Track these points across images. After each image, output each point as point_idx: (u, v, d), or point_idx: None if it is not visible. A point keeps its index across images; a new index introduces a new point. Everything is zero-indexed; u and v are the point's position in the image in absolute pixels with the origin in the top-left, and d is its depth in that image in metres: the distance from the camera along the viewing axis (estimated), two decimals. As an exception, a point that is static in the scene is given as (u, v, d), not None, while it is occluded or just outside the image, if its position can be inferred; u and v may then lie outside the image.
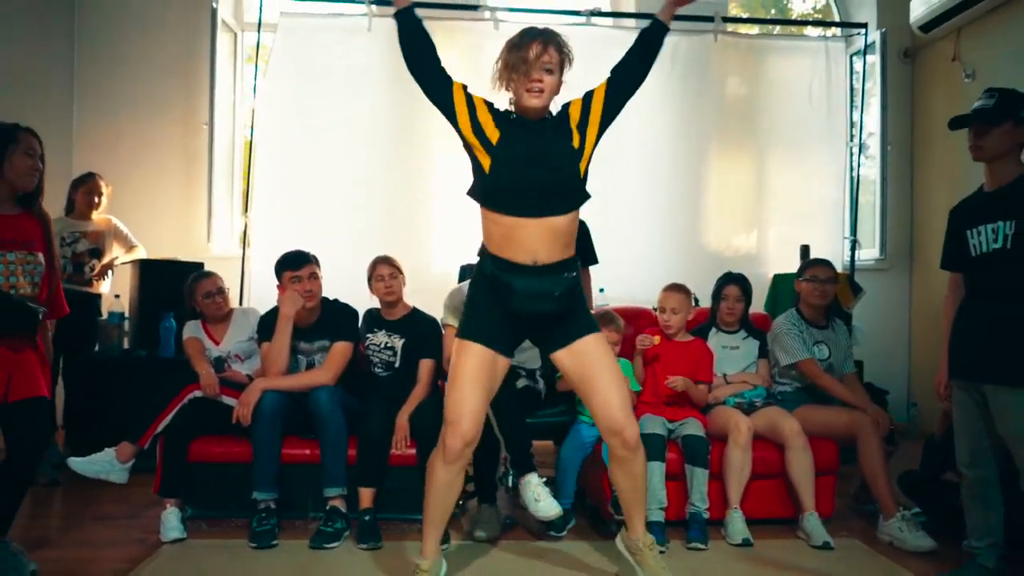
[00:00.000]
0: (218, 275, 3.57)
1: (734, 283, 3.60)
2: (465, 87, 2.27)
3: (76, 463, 2.99)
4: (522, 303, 2.24)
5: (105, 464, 2.99)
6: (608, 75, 2.33)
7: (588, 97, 2.31)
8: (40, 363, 2.59)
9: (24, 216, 2.61)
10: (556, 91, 2.23)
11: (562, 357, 2.33)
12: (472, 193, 2.31)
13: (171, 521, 2.98)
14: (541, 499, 2.94)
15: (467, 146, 2.28)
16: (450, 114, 2.25)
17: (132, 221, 4.83)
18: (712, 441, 3.21)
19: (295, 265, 3.28)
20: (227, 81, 5.51)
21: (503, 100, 2.31)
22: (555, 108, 2.31)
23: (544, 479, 3.07)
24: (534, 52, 2.16)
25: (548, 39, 2.19)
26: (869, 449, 3.15)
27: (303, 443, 3.19)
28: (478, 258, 2.42)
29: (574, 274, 2.30)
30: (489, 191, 2.24)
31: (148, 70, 5.36)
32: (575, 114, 2.28)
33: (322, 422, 3.08)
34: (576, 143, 2.26)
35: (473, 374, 2.25)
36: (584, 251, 4.17)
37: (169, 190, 5.37)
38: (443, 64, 2.29)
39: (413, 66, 2.25)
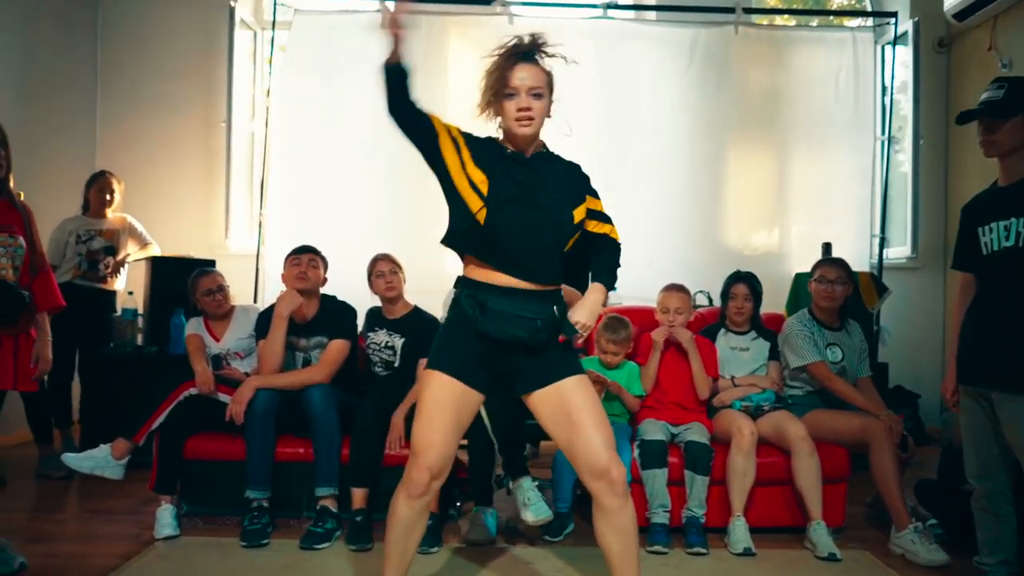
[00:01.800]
0: (219, 273, 3.58)
1: (742, 281, 3.48)
2: (449, 129, 2.04)
3: (70, 459, 3.01)
4: (493, 326, 1.96)
5: (100, 460, 3.01)
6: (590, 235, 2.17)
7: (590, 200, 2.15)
8: (13, 353, 2.56)
9: (1, 202, 2.58)
10: (547, 113, 2.02)
11: (540, 398, 2.02)
12: (454, 243, 2.06)
13: (165, 518, 2.99)
14: (531, 503, 2.88)
15: (452, 189, 2.02)
16: (437, 162, 2.03)
17: (152, 218, 4.90)
18: (717, 446, 3.11)
19: (297, 252, 3.34)
20: (246, 79, 5.54)
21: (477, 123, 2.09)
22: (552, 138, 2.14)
23: (538, 482, 3.00)
24: (519, 78, 1.95)
25: (532, 60, 1.98)
26: (881, 456, 3.01)
27: (297, 442, 3.18)
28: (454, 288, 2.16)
29: (561, 309, 2.05)
30: (484, 245, 2.01)
31: (169, 69, 5.43)
32: (591, 203, 2.13)
33: (315, 421, 3.06)
34: (576, 218, 2.06)
35: (440, 403, 2.00)
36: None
37: (189, 187, 5.43)
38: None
39: (399, 119, 2.04)
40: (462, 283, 2.08)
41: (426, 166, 5.28)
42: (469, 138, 2.05)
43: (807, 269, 4.81)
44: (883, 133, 5.23)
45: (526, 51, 2.00)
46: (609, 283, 2.15)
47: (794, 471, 3.03)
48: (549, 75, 2.03)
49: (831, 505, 3.09)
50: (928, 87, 5.38)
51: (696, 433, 3.11)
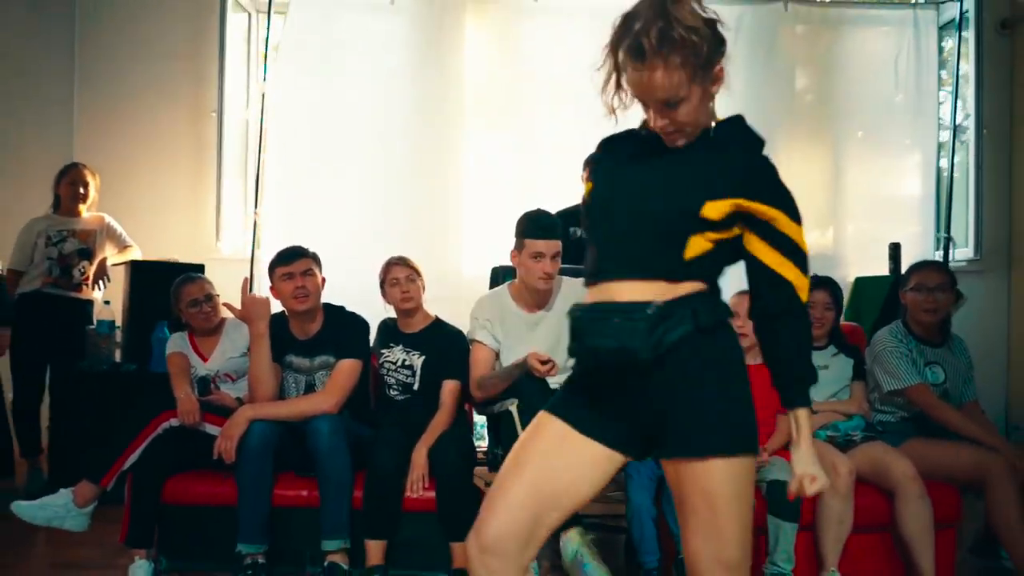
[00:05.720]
0: (207, 280, 3.08)
1: (821, 287, 2.96)
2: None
3: (22, 509, 2.49)
4: (578, 343, 1.46)
5: (59, 509, 2.50)
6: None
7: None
8: None
9: None
10: (704, 102, 1.43)
11: (670, 467, 1.45)
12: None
13: (140, 577, 2.48)
14: (584, 562, 2.34)
15: None
16: None
17: (134, 217, 4.40)
18: (801, 485, 2.60)
19: (287, 260, 2.79)
20: (239, 65, 5.06)
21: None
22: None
23: (591, 535, 2.47)
24: (652, 82, 1.36)
25: (667, 52, 1.33)
26: (1002, 498, 2.51)
27: (299, 482, 2.67)
28: None
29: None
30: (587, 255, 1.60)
31: (153, 54, 4.90)
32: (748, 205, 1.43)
33: (322, 460, 2.55)
34: (707, 213, 1.42)
35: (524, 454, 1.49)
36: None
37: (176, 184, 4.90)
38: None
39: None
40: None
41: (443, 161, 4.76)
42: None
43: (868, 272, 4.38)
44: (947, 122, 4.75)
45: (656, 43, 1.33)
46: (807, 398, 1.46)
47: (900, 517, 2.52)
48: (693, 65, 1.35)
49: (940, 556, 2.58)
50: (990, 73, 4.91)
51: (780, 471, 2.59)
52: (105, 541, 2.94)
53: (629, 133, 1.55)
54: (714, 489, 1.36)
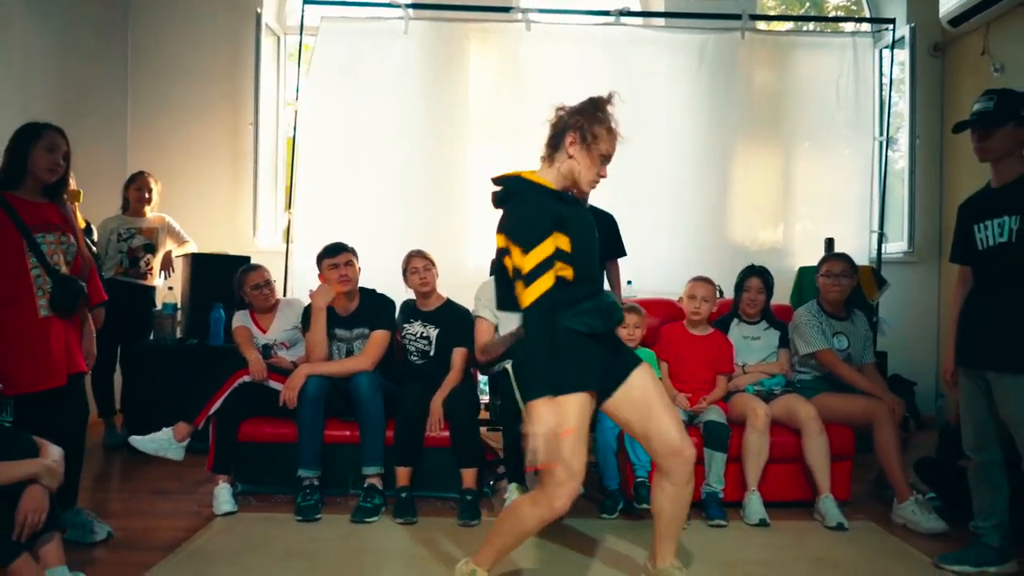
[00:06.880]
0: (265, 268, 3.80)
1: (756, 275, 3.72)
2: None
3: (137, 441, 3.24)
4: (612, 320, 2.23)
5: (163, 442, 3.24)
6: None
7: None
8: (79, 339, 2.83)
9: (49, 205, 2.79)
10: None
11: (623, 393, 2.22)
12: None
13: (223, 495, 3.22)
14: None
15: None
16: None
17: (182, 217, 5.06)
18: (732, 427, 3.34)
19: (332, 253, 3.52)
20: (271, 83, 5.73)
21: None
22: None
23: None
24: (614, 147, 2.26)
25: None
26: (884, 435, 3.27)
27: (344, 425, 3.41)
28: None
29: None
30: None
31: (197, 74, 5.62)
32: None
33: (363, 405, 3.29)
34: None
35: (585, 424, 2.15)
36: (613, 244, 4.33)
37: (217, 187, 5.61)
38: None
39: None
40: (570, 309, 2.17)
41: (451, 168, 5.39)
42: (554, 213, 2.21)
43: (810, 263, 5.09)
44: (881, 134, 5.47)
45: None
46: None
47: (804, 449, 3.28)
48: None
49: (838, 480, 3.33)
50: (924, 90, 5.62)
51: (714, 414, 3.35)
52: (184, 478, 3.71)
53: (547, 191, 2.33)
54: (654, 379, 2.29)
